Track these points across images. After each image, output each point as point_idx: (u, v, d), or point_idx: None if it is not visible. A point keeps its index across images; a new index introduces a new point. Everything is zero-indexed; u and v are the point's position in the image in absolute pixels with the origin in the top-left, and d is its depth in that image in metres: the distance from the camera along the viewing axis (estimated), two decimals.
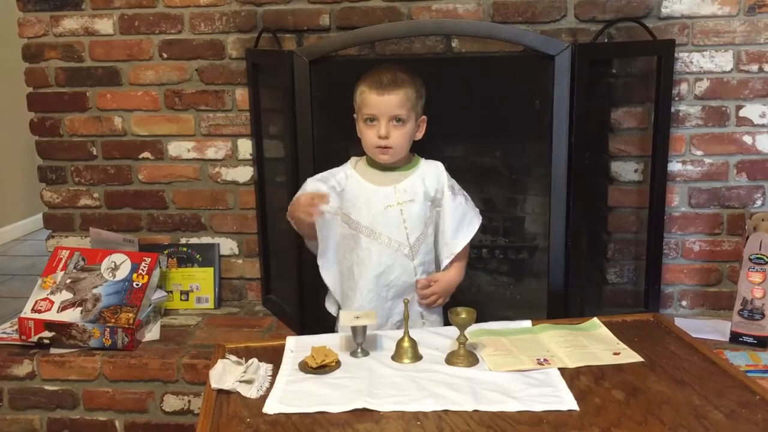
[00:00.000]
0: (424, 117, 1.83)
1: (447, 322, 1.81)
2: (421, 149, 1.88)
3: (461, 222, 1.84)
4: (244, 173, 2.51)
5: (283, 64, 2.15)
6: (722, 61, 2.27)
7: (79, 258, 2.32)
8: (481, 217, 1.88)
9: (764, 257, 2.08)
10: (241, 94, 2.45)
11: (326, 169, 1.91)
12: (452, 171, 1.88)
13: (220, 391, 1.39)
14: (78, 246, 2.46)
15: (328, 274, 1.88)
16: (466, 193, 1.88)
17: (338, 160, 1.91)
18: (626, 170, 2.36)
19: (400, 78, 1.78)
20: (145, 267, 2.30)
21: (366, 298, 1.81)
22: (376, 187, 1.81)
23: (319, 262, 1.87)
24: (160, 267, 2.42)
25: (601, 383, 1.39)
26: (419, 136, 1.83)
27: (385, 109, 1.76)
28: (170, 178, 2.54)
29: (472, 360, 1.47)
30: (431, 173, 1.84)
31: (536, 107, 2.24)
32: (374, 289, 1.80)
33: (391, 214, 1.79)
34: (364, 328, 1.52)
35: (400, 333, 1.52)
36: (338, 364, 1.47)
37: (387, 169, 1.82)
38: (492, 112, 2.31)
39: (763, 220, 2.16)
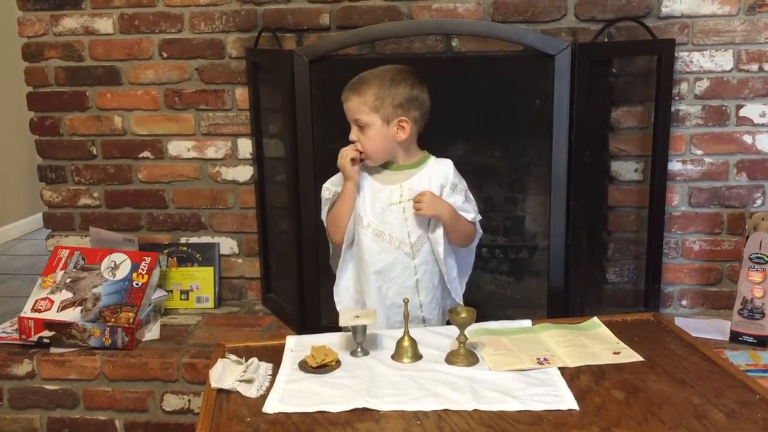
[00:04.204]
0: (403, 118, 1.74)
1: (447, 323, 1.81)
2: (422, 148, 1.87)
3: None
4: (244, 172, 2.50)
5: (283, 64, 2.15)
6: (722, 60, 2.27)
7: (79, 257, 2.32)
8: (475, 215, 1.81)
9: (764, 257, 2.08)
10: (241, 94, 2.45)
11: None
12: None
13: (220, 391, 1.39)
14: (78, 245, 2.46)
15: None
16: (471, 196, 1.83)
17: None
18: (626, 169, 2.36)
19: (358, 82, 1.76)
20: (145, 266, 2.29)
21: (367, 294, 1.81)
22: (381, 185, 1.80)
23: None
24: (160, 266, 2.42)
25: (601, 383, 1.39)
26: (402, 137, 1.76)
27: (350, 116, 1.78)
28: (170, 177, 2.54)
29: (472, 359, 1.47)
30: (439, 172, 1.81)
31: (536, 107, 2.24)
32: (374, 286, 1.80)
33: (393, 212, 1.79)
34: (364, 327, 1.52)
35: (400, 332, 1.52)
36: (338, 363, 1.47)
37: (395, 167, 1.82)
38: (492, 112, 2.31)
39: (763, 219, 2.16)
